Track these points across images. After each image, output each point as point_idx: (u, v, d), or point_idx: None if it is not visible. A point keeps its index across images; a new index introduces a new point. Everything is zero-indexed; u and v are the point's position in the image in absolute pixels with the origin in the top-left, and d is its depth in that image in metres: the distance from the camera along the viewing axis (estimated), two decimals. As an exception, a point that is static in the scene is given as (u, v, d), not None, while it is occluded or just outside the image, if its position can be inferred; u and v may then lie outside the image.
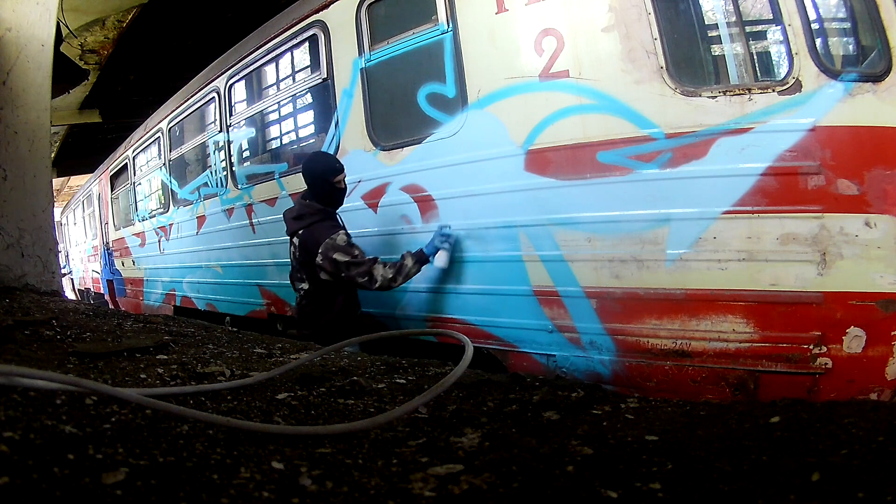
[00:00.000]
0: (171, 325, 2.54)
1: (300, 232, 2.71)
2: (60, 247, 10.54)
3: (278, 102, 3.89)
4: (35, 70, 3.21)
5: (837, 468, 0.67)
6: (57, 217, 9.81)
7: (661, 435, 0.90)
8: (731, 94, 1.89)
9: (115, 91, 8.34)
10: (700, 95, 1.94)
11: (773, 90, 1.84)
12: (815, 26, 1.86)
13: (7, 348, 1.55)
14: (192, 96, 4.74)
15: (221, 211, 4.33)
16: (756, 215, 1.86)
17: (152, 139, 5.70)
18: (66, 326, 1.99)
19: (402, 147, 2.77)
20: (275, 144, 4.18)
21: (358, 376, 1.41)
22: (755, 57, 2.07)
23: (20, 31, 3.12)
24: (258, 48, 3.76)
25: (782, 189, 1.83)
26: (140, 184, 6.21)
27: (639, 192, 2.03)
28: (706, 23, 2.13)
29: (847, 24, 2.00)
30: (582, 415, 1.06)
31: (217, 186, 4.38)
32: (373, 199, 2.94)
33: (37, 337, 1.77)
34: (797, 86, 1.82)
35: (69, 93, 7.86)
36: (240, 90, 4.19)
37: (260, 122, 4.16)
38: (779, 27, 1.90)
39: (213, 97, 4.35)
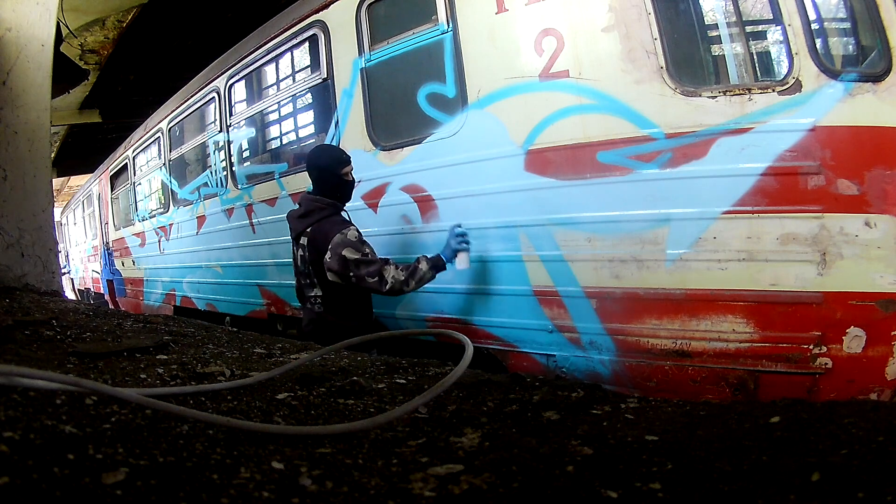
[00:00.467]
0: (171, 325, 2.54)
1: (308, 230, 2.48)
2: (60, 247, 10.54)
3: (278, 102, 3.89)
4: (35, 70, 3.21)
5: (837, 468, 0.67)
6: (57, 217, 9.81)
7: (661, 435, 0.90)
8: (731, 94, 1.89)
9: (115, 91, 8.35)
10: (700, 95, 1.94)
11: (773, 90, 1.84)
12: (815, 26, 1.86)
13: (7, 348, 1.55)
14: (192, 96, 4.74)
15: (221, 211, 4.34)
16: (756, 215, 1.86)
17: (152, 139, 5.70)
18: (66, 326, 1.99)
19: (402, 147, 2.77)
20: (275, 144, 4.18)
21: (358, 376, 1.41)
22: (755, 57, 2.07)
23: (20, 31, 3.12)
24: (258, 48, 3.76)
25: (782, 189, 1.83)
26: (140, 184, 6.21)
27: (639, 192, 2.03)
28: (706, 23, 2.13)
29: (847, 24, 2.00)
30: (582, 415, 1.06)
31: (217, 186, 4.38)
32: (373, 199, 2.94)
33: (37, 337, 1.77)
34: (797, 86, 1.82)
35: (69, 93, 7.86)
36: (240, 90, 4.19)
37: (260, 122, 4.16)
38: (779, 27, 1.90)
39: (213, 97, 4.35)
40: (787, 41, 1.84)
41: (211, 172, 4.49)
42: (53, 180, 10.66)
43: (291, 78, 3.74)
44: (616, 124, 2.07)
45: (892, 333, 1.75)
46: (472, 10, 2.47)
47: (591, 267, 2.16)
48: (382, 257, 2.47)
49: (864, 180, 1.75)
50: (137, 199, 6.29)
